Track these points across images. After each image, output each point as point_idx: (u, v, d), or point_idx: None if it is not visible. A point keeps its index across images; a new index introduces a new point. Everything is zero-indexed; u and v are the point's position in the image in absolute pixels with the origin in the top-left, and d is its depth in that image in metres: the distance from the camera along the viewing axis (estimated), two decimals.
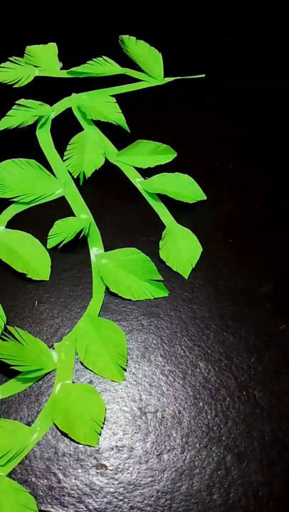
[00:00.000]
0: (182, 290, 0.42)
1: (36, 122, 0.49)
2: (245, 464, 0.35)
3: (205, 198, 0.46)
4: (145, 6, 0.59)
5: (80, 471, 0.35)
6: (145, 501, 0.34)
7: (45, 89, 0.52)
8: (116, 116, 0.49)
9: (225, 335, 0.40)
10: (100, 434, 0.36)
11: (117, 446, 0.36)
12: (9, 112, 0.49)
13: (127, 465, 0.35)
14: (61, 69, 0.54)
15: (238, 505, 0.34)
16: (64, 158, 0.47)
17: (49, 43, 0.55)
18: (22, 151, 0.47)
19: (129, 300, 0.41)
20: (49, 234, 0.43)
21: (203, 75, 0.53)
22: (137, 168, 0.47)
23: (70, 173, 0.46)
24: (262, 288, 0.42)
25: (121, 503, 0.34)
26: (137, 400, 0.37)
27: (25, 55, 0.54)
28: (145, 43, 0.55)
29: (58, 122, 0.50)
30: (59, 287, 0.42)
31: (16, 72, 0.53)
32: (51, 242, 0.43)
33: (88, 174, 0.46)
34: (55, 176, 0.46)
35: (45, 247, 0.43)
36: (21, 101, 0.50)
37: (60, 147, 0.48)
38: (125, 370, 0.38)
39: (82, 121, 0.50)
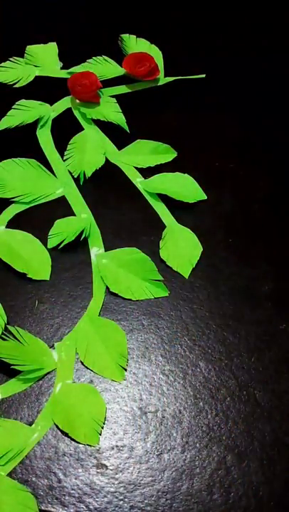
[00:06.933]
0: (182, 290, 0.42)
1: (36, 122, 0.49)
2: (246, 464, 0.35)
3: (205, 197, 0.46)
4: (145, 5, 0.59)
5: (80, 470, 0.35)
6: (145, 501, 0.34)
7: (45, 89, 0.52)
8: (116, 116, 0.49)
9: (225, 335, 0.40)
10: (100, 434, 0.36)
11: (117, 446, 0.36)
12: (9, 112, 0.49)
13: (127, 465, 0.35)
14: (61, 69, 0.54)
15: (239, 504, 0.34)
16: (64, 158, 0.47)
17: (49, 43, 0.55)
18: (22, 151, 0.47)
19: (130, 300, 0.41)
20: (49, 233, 0.43)
21: (204, 75, 0.53)
22: (137, 168, 0.47)
23: (71, 173, 0.46)
24: (262, 288, 0.42)
25: (121, 502, 0.34)
26: (138, 400, 0.37)
27: (25, 54, 0.54)
28: (146, 41, 0.55)
29: (58, 122, 0.50)
30: (59, 287, 0.42)
31: (16, 71, 0.53)
32: (52, 242, 0.43)
33: (88, 174, 0.46)
34: (55, 175, 0.46)
35: (46, 246, 0.43)
36: (22, 101, 0.50)
37: (61, 147, 0.48)
38: (126, 369, 0.38)
39: (82, 121, 0.50)
